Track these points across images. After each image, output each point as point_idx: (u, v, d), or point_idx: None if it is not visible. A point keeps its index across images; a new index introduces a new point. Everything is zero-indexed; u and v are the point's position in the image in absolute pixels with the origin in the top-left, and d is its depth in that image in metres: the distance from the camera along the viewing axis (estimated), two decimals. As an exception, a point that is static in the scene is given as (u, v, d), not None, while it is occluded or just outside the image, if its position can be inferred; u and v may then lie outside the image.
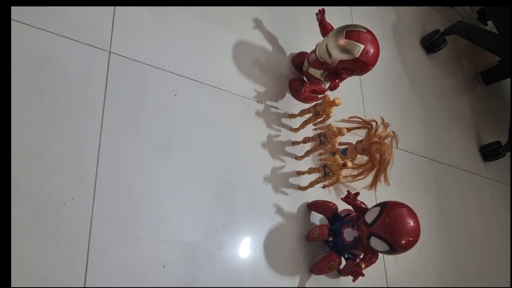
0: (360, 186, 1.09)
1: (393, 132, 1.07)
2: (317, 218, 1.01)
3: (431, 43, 1.68)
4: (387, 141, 1.05)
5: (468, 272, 1.40)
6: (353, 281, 0.90)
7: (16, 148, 0.66)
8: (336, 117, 1.08)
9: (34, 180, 0.66)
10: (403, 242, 0.83)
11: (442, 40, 1.67)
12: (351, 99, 1.27)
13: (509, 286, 1.41)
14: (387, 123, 1.08)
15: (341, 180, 0.92)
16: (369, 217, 0.86)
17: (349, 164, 0.89)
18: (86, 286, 0.65)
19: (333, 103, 0.93)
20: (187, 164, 0.84)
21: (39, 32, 0.74)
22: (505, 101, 1.96)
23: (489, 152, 1.73)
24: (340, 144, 1.10)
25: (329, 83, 1.01)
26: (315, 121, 0.99)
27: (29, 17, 0.74)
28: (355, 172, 1.08)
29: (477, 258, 1.48)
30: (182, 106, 0.88)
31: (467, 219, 1.53)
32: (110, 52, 0.81)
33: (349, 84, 1.27)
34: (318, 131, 0.99)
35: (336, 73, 0.99)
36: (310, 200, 1.01)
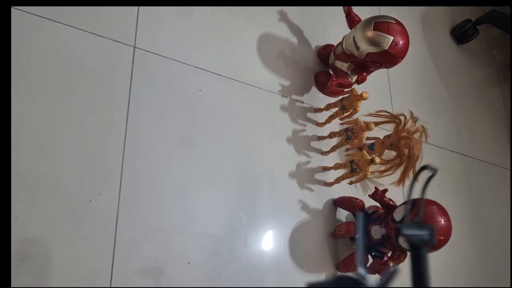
0: (387, 182, 1.06)
1: (422, 126, 1.03)
2: (343, 214, 0.99)
3: (462, 33, 1.62)
4: (416, 135, 1.02)
5: (499, 272, 1.36)
6: (381, 280, 0.88)
7: (42, 145, 0.66)
8: (363, 111, 1.05)
9: (60, 177, 0.66)
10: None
11: (473, 30, 1.61)
12: (378, 92, 1.24)
13: (509, 286, 1.36)
14: (416, 117, 1.04)
15: (368, 176, 0.90)
16: (398, 215, 0.83)
17: (377, 160, 0.86)
18: (112, 281, 0.65)
19: (360, 97, 0.90)
20: (211, 159, 0.84)
21: (64, 27, 0.74)
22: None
23: (522, 147, 1.66)
24: (367, 139, 1.07)
25: (356, 76, 0.98)
26: (342, 116, 0.96)
27: (54, 13, 0.74)
28: (383, 168, 1.05)
29: (510, 257, 1.43)
30: (206, 101, 0.88)
31: (500, 216, 1.47)
32: (134, 47, 0.81)
33: (376, 77, 1.23)
34: (345, 126, 0.97)
35: (364, 66, 0.97)
36: (336, 196, 0.99)
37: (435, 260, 1.09)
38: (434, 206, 0.83)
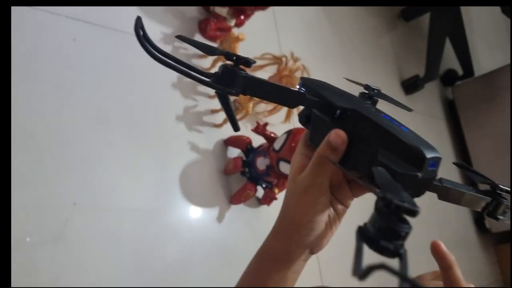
0: (278, 121, 1.14)
1: (303, 65, 1.11)
2: (235, 153, 1.05)
3: (348, -18, 1.71)
4: (297, 74, 1.09)
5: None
6: (268, 205, 0.96)
7: None
8: (249, 54, 1.10)
9: None
10: (308, 163, 0.88)
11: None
12: (266, 38, 1.29)
13: (510, 286, 1.47)
14: (296, 57, 1.12)
15: (250, 112, 0.96)
16: (277, 144, 0.91)
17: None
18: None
19: (237, 39, 0.95)
20: (89, 107, 0.84)
21: None
22: (423, 36, 2.04)
23: (409, 86, 1.83)
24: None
25: (235, 20, 1.02)
26: (224, 59, 1.00)
27: None
28: (270, 107, 1.12)
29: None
30: (83, 50, 0.87)
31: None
32: (-7, -4, 0.78)
33: (263, 22, 1.29)
34: (227, 68, 1.01)
35: (242, 10, 1.01)
36: (226, 136, 1.05)
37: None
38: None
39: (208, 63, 1.06)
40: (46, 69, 0.81)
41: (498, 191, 0.37)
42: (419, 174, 0.33)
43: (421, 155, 0.33)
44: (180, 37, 0.41)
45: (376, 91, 0.45)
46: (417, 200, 0.27)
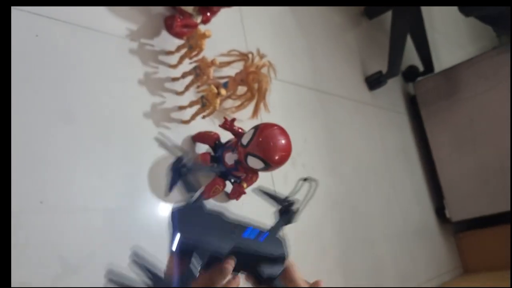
0: (246, 116, 1.15)
1: (268, 61, 1.12)
2: (203, 149, 1.06)
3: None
4: (264, 70, 1.11)
5: (354, 189, 1.56)
6: (237, 199, 0.97)
7: None
8: (215, 52, 1.11)
9: None
10: (276, 157, 0.90)
11: (323, -24, 1.74)
12: (233, 35, 1.31)
13: (509, 286, 1.51)
14: (262, 53, 1.13)
15: (217, 108, 0.97)
16: (245, 139, 0.92)
17: (223, 91, 0.93)
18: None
19: (203, 36, 0.95)
20: (56, 106, 0.83)
21: None
22: (386, 34, 2.10)
23: (373, 82, 1.88)
24: (222, 78, 1.14)
25: (201, 16, 1.03)
26: (190, 55, 1.01)
27: None
28: (238, 103, 1.13)
29: (363, 176, 1.64)
30: (46, 47, 0.86)
31: (354, 144, 1.68)
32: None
33: (230, 19, 1.30)
34: (194, 64, 1.02)
35: (207, 7, 1.02)
36: (194, 132, 1.05)
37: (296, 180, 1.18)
38: (275, 127, 0.93)
39: (175, 60, 1.06)
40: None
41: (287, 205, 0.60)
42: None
43: (283, 258, 0.54)
44: None
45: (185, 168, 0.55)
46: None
